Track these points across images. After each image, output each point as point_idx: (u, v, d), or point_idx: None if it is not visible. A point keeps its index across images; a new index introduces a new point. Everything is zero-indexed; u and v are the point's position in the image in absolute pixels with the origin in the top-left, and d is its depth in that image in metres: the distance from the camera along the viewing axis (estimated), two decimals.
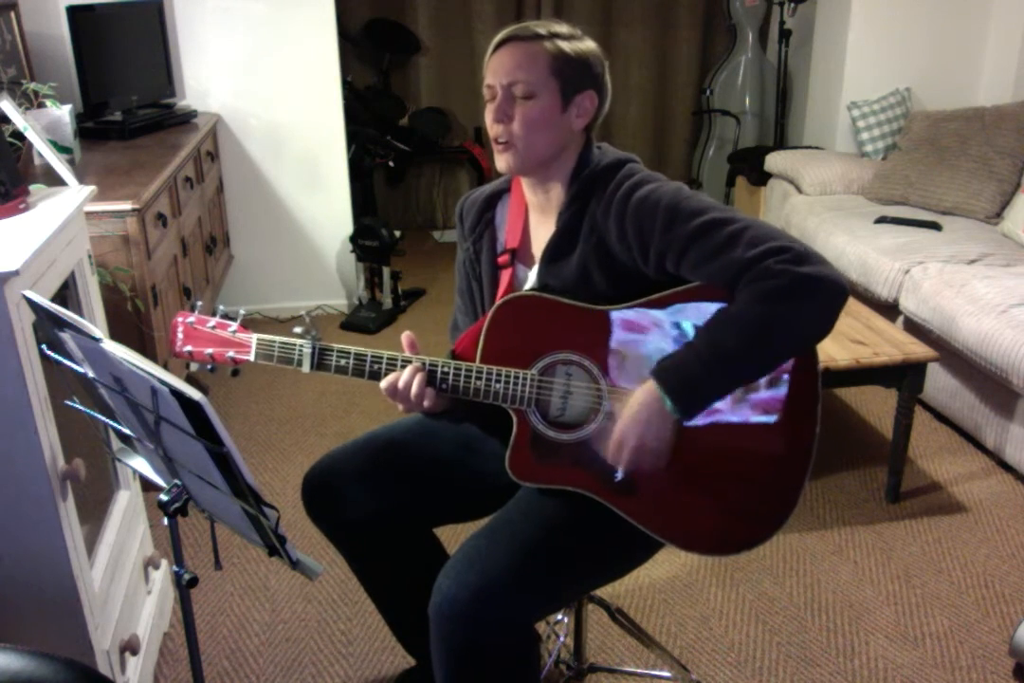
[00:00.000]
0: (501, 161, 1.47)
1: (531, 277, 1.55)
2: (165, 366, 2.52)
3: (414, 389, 1.44)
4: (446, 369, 1.46)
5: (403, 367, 1.46)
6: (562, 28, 1.45)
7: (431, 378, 1.46)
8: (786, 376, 1.41)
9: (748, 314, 1.32)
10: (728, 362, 1.34)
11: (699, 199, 1.40)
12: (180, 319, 1.53)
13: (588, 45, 1.46)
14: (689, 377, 1.35)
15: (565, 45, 1.43)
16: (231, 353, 1.51)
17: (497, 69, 1.44)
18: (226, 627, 2.18)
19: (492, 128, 1.46)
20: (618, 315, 1.43)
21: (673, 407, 1.35)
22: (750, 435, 1.43)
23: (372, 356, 1.48)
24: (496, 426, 1.56)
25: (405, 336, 1.51)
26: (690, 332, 1.40)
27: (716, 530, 1.47)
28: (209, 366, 1.54)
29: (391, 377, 1.46)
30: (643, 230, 1.39)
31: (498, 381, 1.45)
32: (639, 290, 1.43)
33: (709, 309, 1.39)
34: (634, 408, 1.38)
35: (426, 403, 1.46)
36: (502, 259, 1.57)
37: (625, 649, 2.08)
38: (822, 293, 1.32)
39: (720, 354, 1.33)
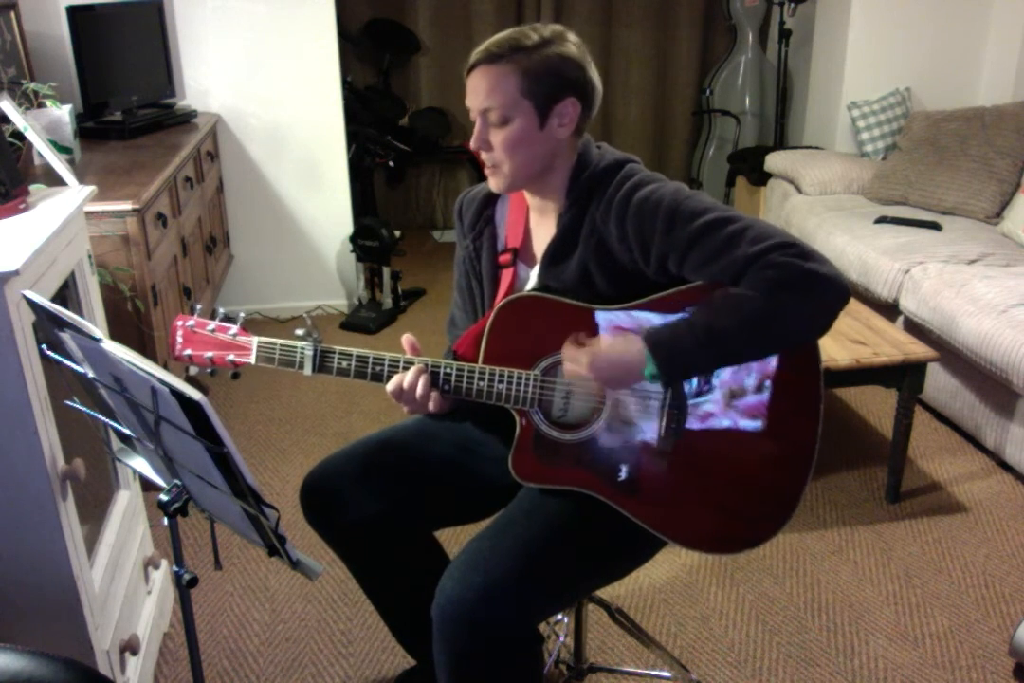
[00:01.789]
0: (492, 183, 1.49)
1: (533, 277, 1.55)
2: (165, 366, 2.52)
3: (419, 391, 1.44)
4: (448, 370, 1.46)
5: (405, 369, 1.46)
6: (529, 38, 1.39)
7: (434, 379, 1.46)
8: (789, 377, 1.41)
9: (750, 300, 1.32)
10: (721, 345, 1.35)
11: (700, 199, 1.39)
12: (179, 323, 1.52)
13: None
14: (679, 354, 1.35)
15: (532, 59, 1.38)
16: (231, 356, 1.51)
17: (470, 94, 1.43)
18: (226, 627, 2.17)
19: (479, 152, 1.46)
20: (620, 315, 1.43)
21: (651, 375, 1.36)
22: (753, 435, 1.43)
23: (374, 358, 1.47)
24: (497, 426, 1.55)
25: (406, 338, 1.51)
26: None
27: (719, 529, 1.47)
28: (209, 369, 1.54)
29: (396, 379, 1.46)
30: (644, 232, 1.39)
31: (501, 382, 1.45)
32: (640, 290, 1.43)
33: None
34: (613, 357, 1.37)
35: (431, 405, 1.46)
36: (503, 258, 1.57)
37: (625, 649, 2.08)
38: (825, 291, 1.32)
39: (715, 336, 1.33)
